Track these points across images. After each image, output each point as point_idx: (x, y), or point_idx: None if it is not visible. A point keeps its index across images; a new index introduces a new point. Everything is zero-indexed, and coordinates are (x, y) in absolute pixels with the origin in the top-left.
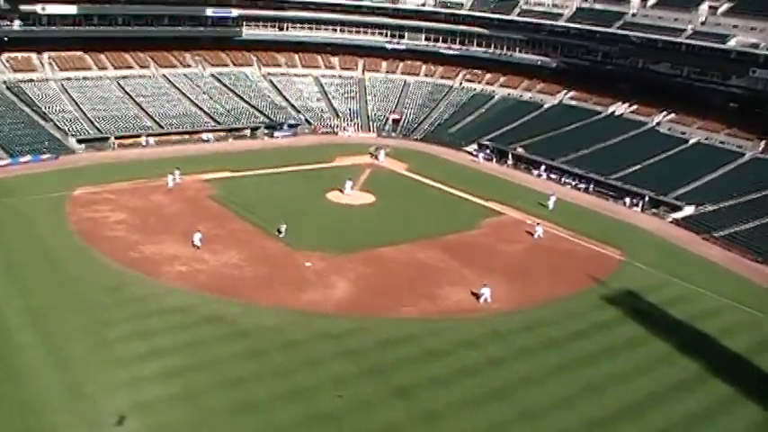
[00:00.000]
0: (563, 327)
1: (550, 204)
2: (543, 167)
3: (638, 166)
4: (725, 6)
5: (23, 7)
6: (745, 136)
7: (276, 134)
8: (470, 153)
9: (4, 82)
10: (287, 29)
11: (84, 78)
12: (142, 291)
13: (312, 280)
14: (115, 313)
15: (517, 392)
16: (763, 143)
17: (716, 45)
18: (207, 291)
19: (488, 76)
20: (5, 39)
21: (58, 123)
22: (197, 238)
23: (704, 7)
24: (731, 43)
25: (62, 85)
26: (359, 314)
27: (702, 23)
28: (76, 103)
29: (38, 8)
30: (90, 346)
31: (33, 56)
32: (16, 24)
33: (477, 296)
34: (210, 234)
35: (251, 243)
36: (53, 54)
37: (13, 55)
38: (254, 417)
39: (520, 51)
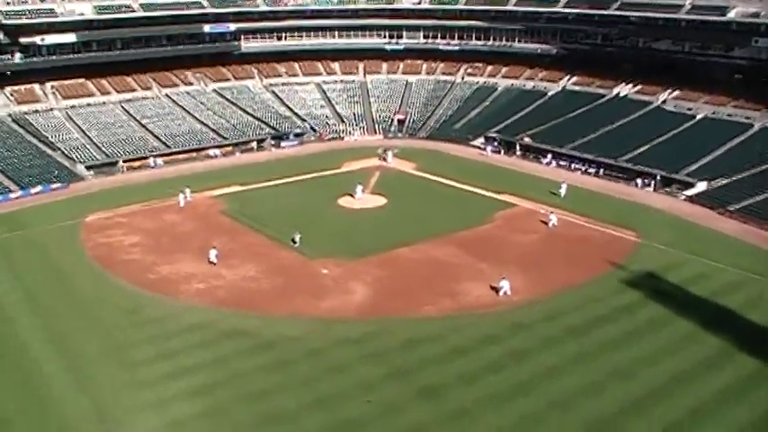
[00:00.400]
0: (584, 313)
1: (562, 192)
2: (550, 156)
3: (647, 146)
4: None
5: (23, 39)
6: (753, 107)
7: (283, 144)
8: (478, 147)
9: (10, 115)
10: (285, 38)
11: (88, 105)
12: (162, 311)
13: (330, 287)
14: (137, 335)
15: (544, 383)
16: None
17: (716, 18)
18: (226, 306)
19: (490, 68)
20: (8, 73)
21: (65, 152)
22: (212, 254)
23: None
24: (731, 15)
25: (67, 113)
26: (379, 317)
27: None
28: (82, 130)
29: (37, 39)
30: (115, 370)
31: (36, 87)
32: (17, 57)
33: (497, 290)
34: (225, 249)
35: (266, 255)
36: (55, 83)
37: (16, 87)
38: (281, 428)
39: (519, 41)
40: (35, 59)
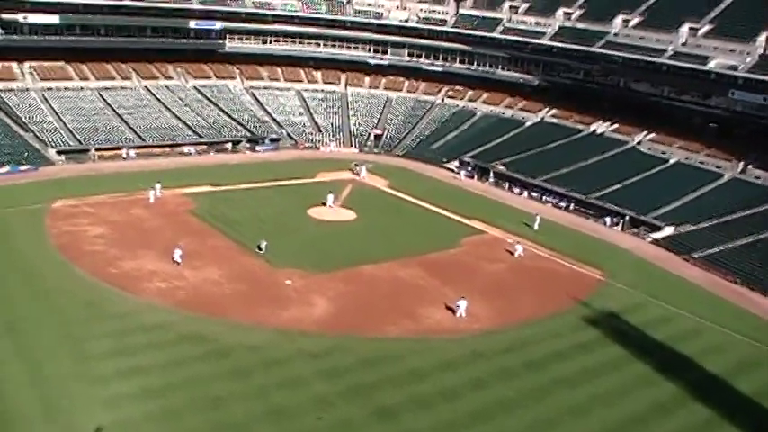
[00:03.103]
0: (544, 348)
1: (536, 225)
2: (522, 186)
3: (619, 186)
4: (705, 28)
5: (5, 16)
6: (725, 156)
7: (258, 148)
8: (452, 170)
9: None
10: (270, 42)
11: (66, 89)
12: (121, 307)
13: (292, 298)
14: (93, 329)
15: (498, 415)
16: (741, 164)
17: (696, 66)
18: (186, 308)
19: (470, 92)
20: None
21: (38, 134)
22: (177, 254)
23: (685, 29)
24: (711, 65)
25: (43, 95)
26: (340, 333)
27: (683, 44)
28: (57, 114)
29: (19, 17)
30: (68, 363)
31: (14, 65)
32: None
33: (453, 310)
34: (190, 250)
35: (231, 260)
36: (34, 64)
37: None
38: None
39: (502, 69)
40: (15, 37)
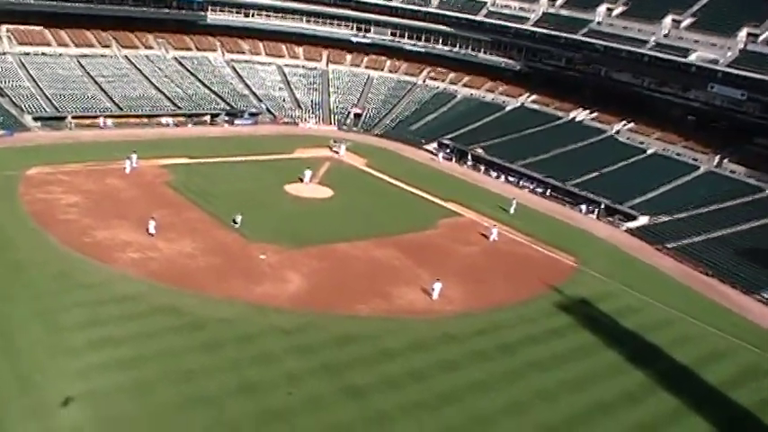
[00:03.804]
0: (516, 332)
1: (511, 209)
2: (500, 170)
3: (596, 174)
4: (688, 21)
5: None
6: (701, 149)
7: (237, 122)
8: (430, 152)
9: None
10: (252, 15)
11: (44, 54)
12: (93, 277)
13: (267, 273)
14: (65, 299)
15: (467, 397)
16: (717, 157)
17: (677, 58)
18: (159, 280)
19: (452, 75)
20: None
21: (14, 99)
22: (152, 225)
23: (668, 20)
24: (692, 57)
25: (20, 60)
26: (313, 310)
27: (665, 36)
28: (34, 80)
29: None
30: (39, 333)
31: None
32: None
33: (428, 292)
34: (165, 222)
35: (206, 232)
36: (11, 27)
37: None
38: (204, 411)
39: (484, 52)
40: None
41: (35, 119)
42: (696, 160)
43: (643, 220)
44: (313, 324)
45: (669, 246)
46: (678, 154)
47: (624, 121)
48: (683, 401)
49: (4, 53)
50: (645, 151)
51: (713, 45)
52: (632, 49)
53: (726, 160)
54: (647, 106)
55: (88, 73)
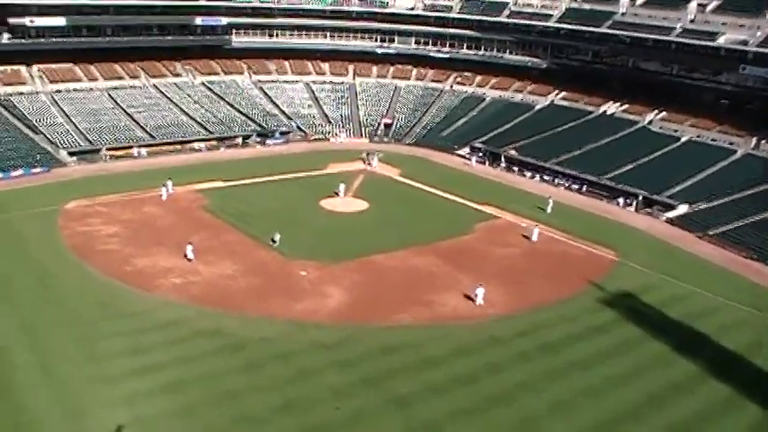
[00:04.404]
0: (559, 330)
1: (549, 208)
2: (534, 170)
3: (631, 166)
4: (713, 4)
5: (12, 20)
6: (737, 132)
7: (268, 142)
8: (463, 157)
9: None
10: (277, 36)
11: (75, 90)
12: (136, 305)
13: (307, 289)
14: (110, 328)
15: (515, 399)
16: (754, 139)
17: (705, 43)
18: (201, 303)
19: (479, 78)
20: None
21: (49, 136)
22: (189, 250)
23: (693, 5)
24: (720, 41)
25: (52, 97)
26: (354, 323)
27: (691, 21)
28: (67, 116)
29: (26, 21)
30: (85, 363)
31: (23, 69)
32: (5, 38)
33: (472, 298)
34: (204, 245)
35: (245, 254)
36: (43, 66)
37: (2, 68)
38: (250, 430)
39: (510, 53)
40: (23, 41)
41: (70, 153)
42: (732, 144)
43: (682, 209)
44: (354, 337)
45: (710, 233)
46: (713, 139)
47: (656, 111)
48: (734, 389)
49: (37, 92)
50: (679, 139)
51: (741, 26)
52: (659, 37)
53: (763, 142)
54: (677, 94)
55: (119, 105)
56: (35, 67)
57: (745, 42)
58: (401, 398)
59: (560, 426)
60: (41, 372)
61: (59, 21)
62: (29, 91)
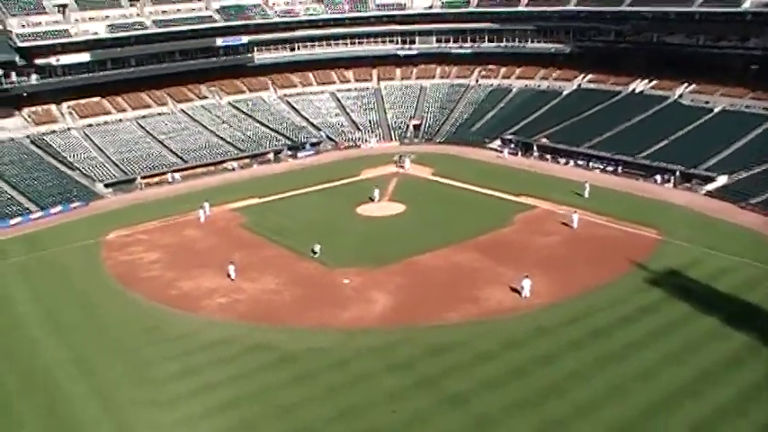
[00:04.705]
0: (608, 315)
1: (586, 193)
2: (567, 156)
3: (665, 142)
4: None
5: (38, 61)
6: None
7: (299, 155)
8: (495, 149)
9: (28, 136)
10: (298, 49)
11: (105, 123)
12: (184, 327)
13: (351, 296)
14: (159, 353)
15: (568, 388)
16: None
17: (730, 9)
18: (248, 320)
19: (503, 69)
20: (25, 94)
21: (83, 170)
22: (231, 269)
23: None
24: (746, 5)
25: (84, 132)
26: (402, 325)
27: None
28: (100, 149)
29: (52, 60)
30: (139, 389)
31: (53, 107)
32: (33, 79)
33: (518, 290)
34: (245, 262)
35: (287, 267)
36: (72, 103)
37: (33, 109)
38: None
39: (532, 41)
40: (51, 80)
41: (106, 185)
42: (767, 109)
43: (722, 180)
44: (404, 339)
45: (753, 201)
46: (747, 107)
47: (685, 84)
48: None
49: (69, 128)
50: (712, 110)
51: None
52: (681, 9)
53: None
54: (705, 64)
55: (149, 133)
56: (64, 105)
57: None
58: (455, 396)
59: (616, 410)
60: (99, 402)
61: (84, 57)
62: (61, 128)
